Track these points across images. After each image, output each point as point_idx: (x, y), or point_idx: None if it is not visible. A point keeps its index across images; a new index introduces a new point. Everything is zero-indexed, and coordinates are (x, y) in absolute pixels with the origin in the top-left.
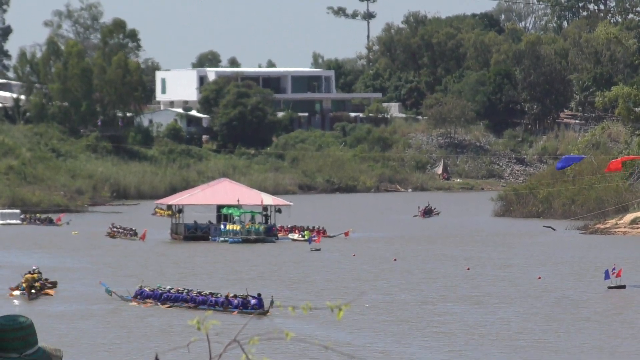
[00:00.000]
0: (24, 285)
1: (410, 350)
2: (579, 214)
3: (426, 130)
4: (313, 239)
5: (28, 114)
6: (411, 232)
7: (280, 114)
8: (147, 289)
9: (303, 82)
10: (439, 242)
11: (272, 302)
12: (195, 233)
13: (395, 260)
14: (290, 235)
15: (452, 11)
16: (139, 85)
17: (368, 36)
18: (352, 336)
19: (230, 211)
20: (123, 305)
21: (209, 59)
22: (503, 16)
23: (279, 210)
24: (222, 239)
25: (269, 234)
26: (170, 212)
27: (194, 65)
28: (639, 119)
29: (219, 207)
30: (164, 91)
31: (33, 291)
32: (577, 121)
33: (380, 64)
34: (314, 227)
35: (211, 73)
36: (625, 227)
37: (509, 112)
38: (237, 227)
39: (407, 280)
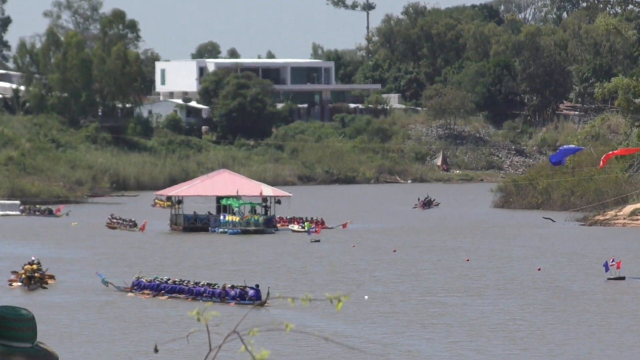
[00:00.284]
0: (23, 276)
1: (410, 342)
2: (578, 206)
3: (426, 121)
4: (312, 230)
5: (28, 104)
6: (411, 224)
7: (279, 105)
8: (144, 280)
9: (302, 73)
10: (438, 233)
11: (268, 293)
12: (195, 224)
13: (394, 251)
14: (290, 227)
15: (451, 2)
16: (139, 76)
17: (367, 27)
18: (352, 328)
19: (229, 202)
20: (121, 296)
21: (209, 50)
22: (503, 7)
23: (279, 202)
24: (221, 230)
25: (269, 225)
26: (169, 203)
27: (194, 56)
28: (639, 110)
29: (219, 198)
30: (163, 82)
31: (32, 282)
32: (576, 112)
33: (379, 55)
34: (312, 218)
35: (211, 64)
36: (624, 218)
37: (508, 104)
38: (236, 218)
39: (406, 271)
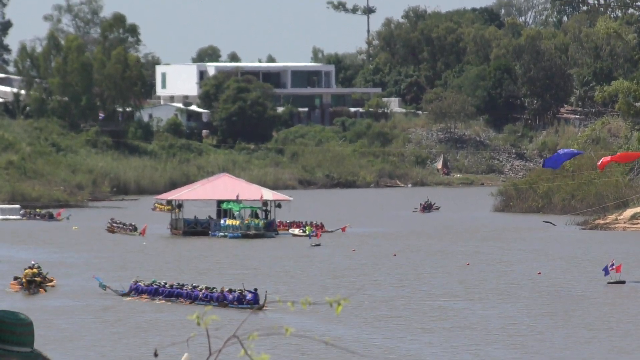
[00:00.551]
0: (23, 280)
1: (410, 346)
2: (578, 209)
3: (426, 125)
4: (313, 234)
5: (28, 108)
6: (411, 228)
7: (280, 109)
8: (142, 284)
9: (303, 77)
10: (438, 237)
11: (266, 297)
12: (195, 228)
13: (395, 255)
14: (290, 231)
15: (451, 5)
16: (139, 80)
17: (368, 31)
18: (352, 332)
19: (230, 206)
20: (119, 300)
21: (209, 54)
22: (503, 11)
23: (279, 206)
24: (221, 234)
25: (269, 229)
26: (170, 207)
27: (194, 60)
28: (639, 113)
29: (219, 202)
30: (164, 86)
31: (32, 286)
32: (577, 116)
33: (380, 58)
34: (311, 222)
35: (211, 68)
36: (625, 222)
37: (509, 107)
38: (236, 223)
39: (406, 275)
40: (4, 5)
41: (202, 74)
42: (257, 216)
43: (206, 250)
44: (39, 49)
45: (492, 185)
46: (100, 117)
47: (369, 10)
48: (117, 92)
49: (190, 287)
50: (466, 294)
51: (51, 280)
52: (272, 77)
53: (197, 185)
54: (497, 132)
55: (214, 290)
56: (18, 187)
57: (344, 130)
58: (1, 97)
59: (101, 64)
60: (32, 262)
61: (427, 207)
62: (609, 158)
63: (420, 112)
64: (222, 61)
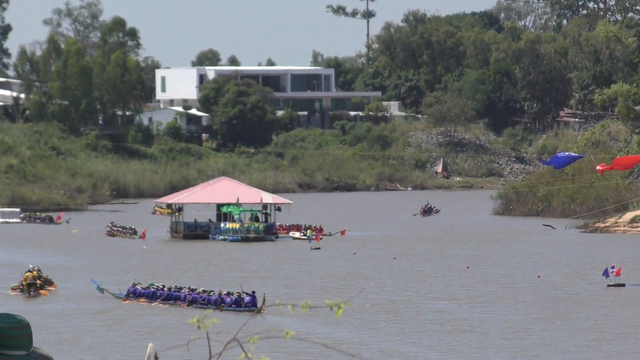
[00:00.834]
0: (24, 283)
1: (410, 349)
2: (578, 213)
3: (426, 128)
4: (313, 237)
5: (28, 112)
6: (411, 231)
7: (279, 113)
8: (139, 287)
9: (302, 81)
10: (438, 240)
11: (264, 300)
12: (195, 231)
13: (395, 258)
14: (291, 234)
15: (451, 9)
16: (139, 84)
17: (368, 34)
18: (352, 335)
19: (230, 210)
20: (118, 303)
21: (209, 58)
22: (503, 14)
23: (279, 209)
24: (221, 237)
25: (269, 232)
26: (170, 211)
27: (194, 64)
28: (639, 117)
29: (219, 206)
30: (163, 89)
31: (32, 290)
32: (576, 119)
33: (379, 62)
34: (310, 226)
35: (211, 71)
36: (624, 225)
37: (508, 111)
38: (236, 226)
39: (406, 278)
40: (4, 9)
41: (201, 78)
42: (257, 219)
43: (206, 253)
44: (38, 53)
45: (492, 189)
46: (100, 121)
47: (368, 14)
48: (117, 96)
49: (187, 290)
50: (466, 297)
51: (52, 283)
52: (272, 81)
53: (197, 188)
54: (497, 135)
55: (212, 293)
56: (18, 190)
57: (344, 133)
58: (1, 101)
59: (101, 67)
60: (31, 266)
61: (427, 211)
62: (605, 167)
63: (420, 115)
64: (221, 65)
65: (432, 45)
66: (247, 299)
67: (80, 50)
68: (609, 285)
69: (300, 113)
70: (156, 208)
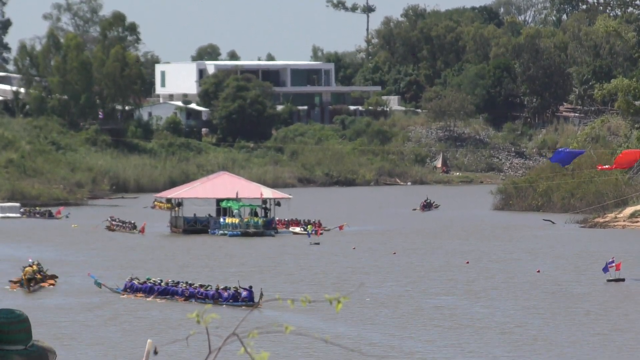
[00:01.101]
0: (24, 278)
1: (410, 344)
2: (578, 208)
3: (425, 123)
4: (312, 232)
5: (28, 107)
6: (410, 226)
7: (279, 107)
8: (136, 282)
9: (302, 75)
10: (438, 235)
11: (261, 295)
12: (195, 226)
13: (394, 253)
14: (291, 229)
15: (451, 4)
16: (138, 79)
17: (367, 29)
18: (352, 329)
19: (229, 204)
20: (116, 297)
21: (209, 52)
22: (502, 9)
23: (279, 204)
24: (221, 232)
25: (268, 227)
26: (169, 205)
27: (194, 59)
28: (639, 112)
29: (219, 201)
30: (163, 84)
31: (32, 284)
32: (576, 114)
33: (379, 57)
34: (309, 221)
35: (211, 66)
36: (624, 220)
37: (508, 106)
38: (236, 221)
39: (406, 273)
40: (4, 4)
41: (201, 73)
42: (256, 214)
43: (206, 248)
44: (38, 48)
45: (492, 184)
46: (99, 116)
47: (368, 9)
48: (116, 91)
49: (185, 285)
50: (465, 292)
51: (52, 277)
52: (272, 76)
53: (197, 183)
54: (497, 130)
55: (209, 288)
56: (18, 185)
57: (344, 128)
58: (1, 96)
59: (101, 62)
60: (30, 260)
61: (427, 206)
62: (607, 168)
63: (419, 110)
64: (221, 59)
65: (431, 40)
66: (244, 293)
67: (80, 44)
68: (608, 280)
69: (300, 108)
70: (155, 203)
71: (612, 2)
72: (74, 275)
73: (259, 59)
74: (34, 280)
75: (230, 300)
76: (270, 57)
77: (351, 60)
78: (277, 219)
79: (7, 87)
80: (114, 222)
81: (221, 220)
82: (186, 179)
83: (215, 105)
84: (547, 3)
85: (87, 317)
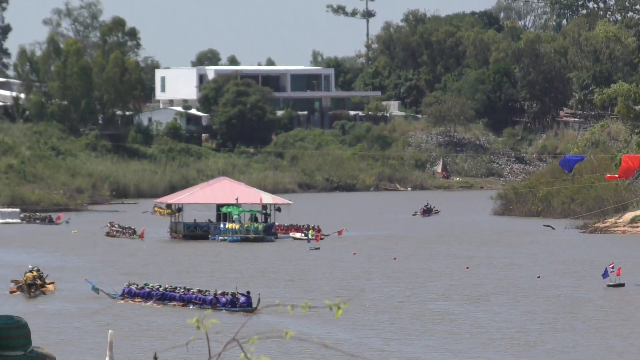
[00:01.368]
0: (24, 283)
1: (410, 349)
2: (578, 213)
3: (425, 128)
4: (313, 237)
5: (27, 112)
6: (410, 231)
7: (279, 113)
8: (134, 287)
9: (302, 81)
10: (438, 241)
11: (259, 300)
12: (195, 232)
13: (394, 259)
14: (291, 234)
15: (451, 9)
16: (138, 84)
17: (367, 34)
18: (352, 335)
19: (229, 210)
20: (114, 303)
21: (209, 57)
22: (502, 14)
23: (279, 209)
24: (221, 237)
25: (268, 232)
26: (169, 211)
27: (194, 64)
28: (639, 117)
29: (219, 206)
30: (163, 89)
31: (33, 289)
32: (576, 119)
33: (379, 62)
34: (309, 226)
35: (210, 71)
36: (624, 225)
37: (508, 111)
38: (236, 226)
39: (406, 279)
40: (4, 9)
41: (201, 78)
42: (256, 220)
43: (205, 254)
44: (38, 53)
45: (492, 189)
46: (99, 121)
47: (368, 14)
48: (116, 96)
49: (183, 290)
50: (465, 298)
51: (51, 283)
52: (272, 81)
53: (197, 188)
54: (497, 135)
55: (207, 293)
56: (18, 190)
57: (344, 133)
58: (1, 101)
59: (101, 67)
60: (30, 266)
61: (427, 211)
62: (613, 177)
63: (419, 115)
64: (221, 65)
65: (431, 45)
66: (242, 299)
67: (80, 50)
68: (608, 285)
69: (300, 113)
70: (155, 208)
71: (612, 7)
72: (74, 282)
73: (259, 64)
74: (35, 286)
75: (228, 306)
76: (270, 62)
77: (351, 65)
78: (277, 224)
79: (7, 93)
80: (113, 228)
81: (221, 225)
82: (186, 184)
83: (215, 110)
84: (547, 8)
85: (86, 322)
